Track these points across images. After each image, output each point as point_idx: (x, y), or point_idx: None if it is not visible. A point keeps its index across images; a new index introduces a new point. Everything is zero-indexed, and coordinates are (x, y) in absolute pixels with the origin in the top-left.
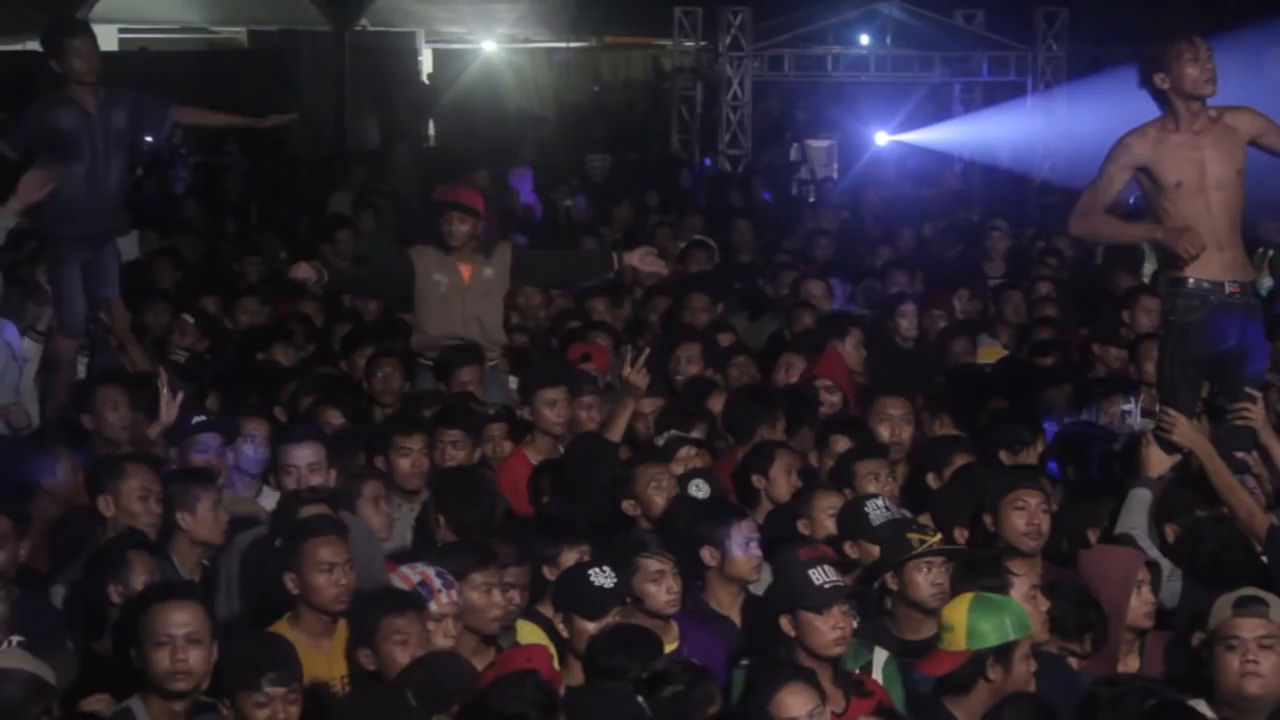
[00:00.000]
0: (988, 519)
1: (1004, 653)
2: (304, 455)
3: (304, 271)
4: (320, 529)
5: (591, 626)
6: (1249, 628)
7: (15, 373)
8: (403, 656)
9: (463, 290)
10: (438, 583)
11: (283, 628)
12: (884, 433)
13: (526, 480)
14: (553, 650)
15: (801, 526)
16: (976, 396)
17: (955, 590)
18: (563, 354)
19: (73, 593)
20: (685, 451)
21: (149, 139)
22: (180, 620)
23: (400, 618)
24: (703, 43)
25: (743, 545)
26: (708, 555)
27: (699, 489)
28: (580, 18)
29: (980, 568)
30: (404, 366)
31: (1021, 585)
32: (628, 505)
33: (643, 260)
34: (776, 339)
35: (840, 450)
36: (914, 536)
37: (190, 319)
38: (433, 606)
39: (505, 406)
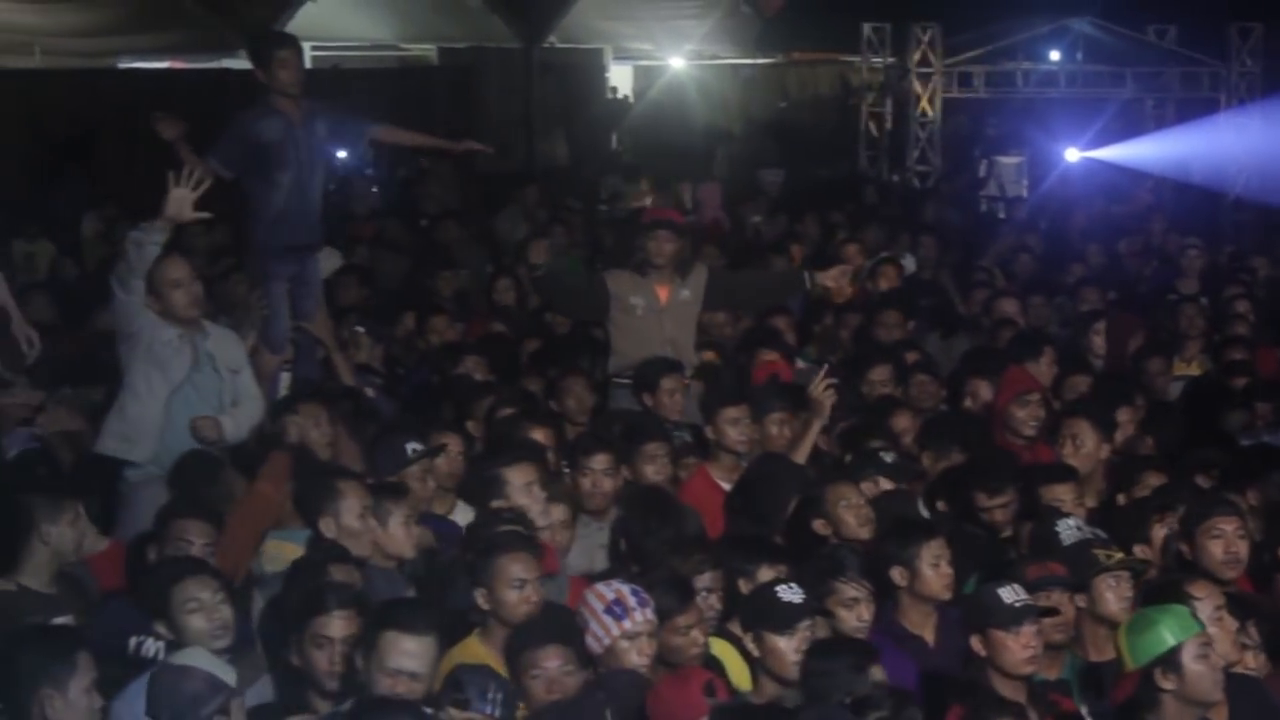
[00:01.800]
0: (1185, 547)
1: (1170, 659)
2: (518, 475)
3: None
4: (511, 545)
5: (781, 642)
6: None
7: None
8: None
9: (660, 312)
10: (632, 600)
11: (472, 643)
12: (1069, 453)
13: (709, 498)
14: (743, 667)
15: (819, 526)
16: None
17: None
18: (747, 372)
19: (272, 603)
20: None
21: (342, 155)
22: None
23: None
24: (891, 59)
25: (933, 564)
26: (898, 575)
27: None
28: (768, 34)
29: (1159, 597)
30: (593, 384)
31: (1205, 608)
32: (819, 524)
33: (837, 279)
34: (970, 358)
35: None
36: (1100, 552)
37: (362, 330)
38: (627, 624)
39: (692, 425)
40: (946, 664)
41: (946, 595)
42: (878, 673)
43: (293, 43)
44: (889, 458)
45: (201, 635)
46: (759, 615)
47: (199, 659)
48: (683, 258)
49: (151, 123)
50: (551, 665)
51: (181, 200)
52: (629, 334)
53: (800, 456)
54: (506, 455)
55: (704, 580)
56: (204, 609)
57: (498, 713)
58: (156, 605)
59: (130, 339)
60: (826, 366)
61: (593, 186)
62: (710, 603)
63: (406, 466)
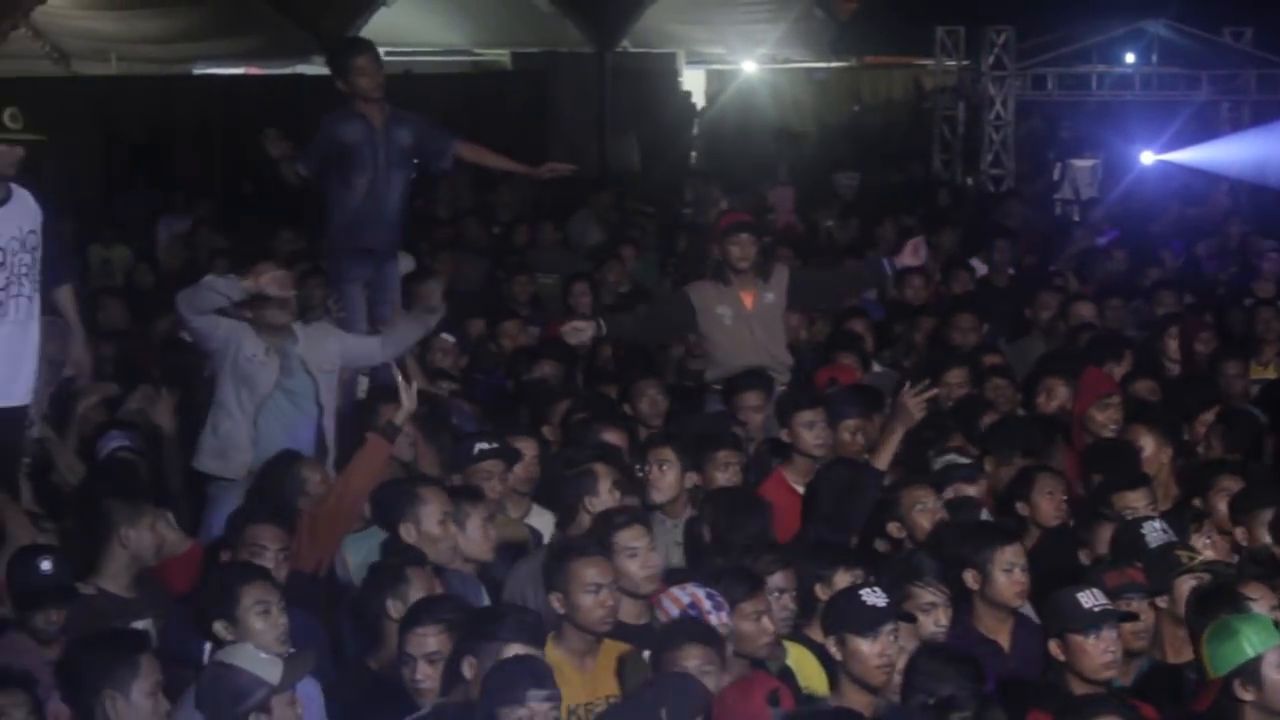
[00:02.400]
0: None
1: (1250, 670)
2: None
3: (580, 332)
4: (586, 549)
5: (864, 645)
6: None
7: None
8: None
9: (748, 318)
10: (708, 604)
11: (547, 647)
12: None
13: (784, 501)
14: (818, 671)
15: (893, 530)
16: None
17: (1191, 624)
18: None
19: (350, 605)
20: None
21: (428, 170)
22: None
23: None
24: (965, 62)
25: (1006, 569)
26: (970, 578)
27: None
28: (841, 38)
29: (1213, 600)
30: (666, 388)
31: (1260, 609)
32: (893, 528)
33: (914, 253)
34: (1047, 360)
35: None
36: (1182, 554)
37: (450, 338)
38: None
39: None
40: (1023, 670)
41: (1018, 603)
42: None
43: (369, 48)
44: (940, 461)
45: (264, 638)
46: (842, 618)
47: (243, 657)
48: (763, 260)
49: (261, 139)
50: (691, 665)
51: (274, 281)
52: (721, 344)
53: (882, 462)
54: (593, 452)
55: (776, 580)
56: (269, 613)
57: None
58: (219, 606)
59: (214, 355)
60: (926, 380)
61: (666, 191)
62: (784, 603)
63: (473, 464)
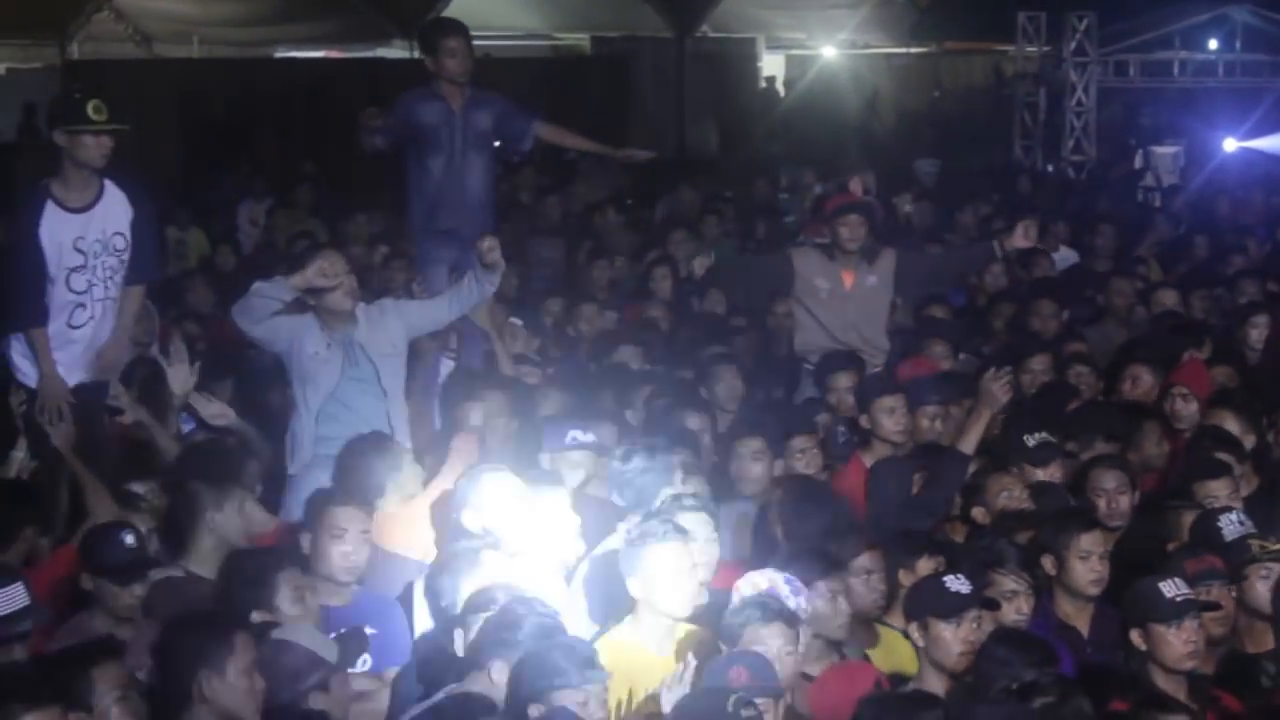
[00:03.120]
0: None
1: None
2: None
3: (700, 264)
4: (665, 534)
5: (948, 631)
6: None
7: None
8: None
9: (844, 297)
10: (786, 589)
11: (624, 630)
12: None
13: (863, 487)
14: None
15: (977, 515)
16: None
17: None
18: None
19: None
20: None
21: (509, 154)
22: None
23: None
24: (1046, 48)
25: (1083, 557)
26: (1049, 564)
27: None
28: (922, 24)
29: None
30: (742, 373)
31: None
32: (978, 513)
33: (1025, 235)
34: (1130, 347)
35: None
36: (1255, 543)
37: (518, 322)
38: None
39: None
40: (1101, 656)
41: (1093, 591)
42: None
43: (462, 31)
44: (1033, 439)
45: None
46: (926, 604)
47: (300, 634)
48: (870, 243)
49: (363, 120)
50: (774, 645)
51: (320, 271)
52: (813, 316)
53: (968, 445)
54: (664, 446)
55: (863, 562)
56: (303, 598)
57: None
58: (252, 599)
59: (283, 357)
60: (1006, 366)
61: (744, 176)
62: (873, 583)
63: (564, 451)
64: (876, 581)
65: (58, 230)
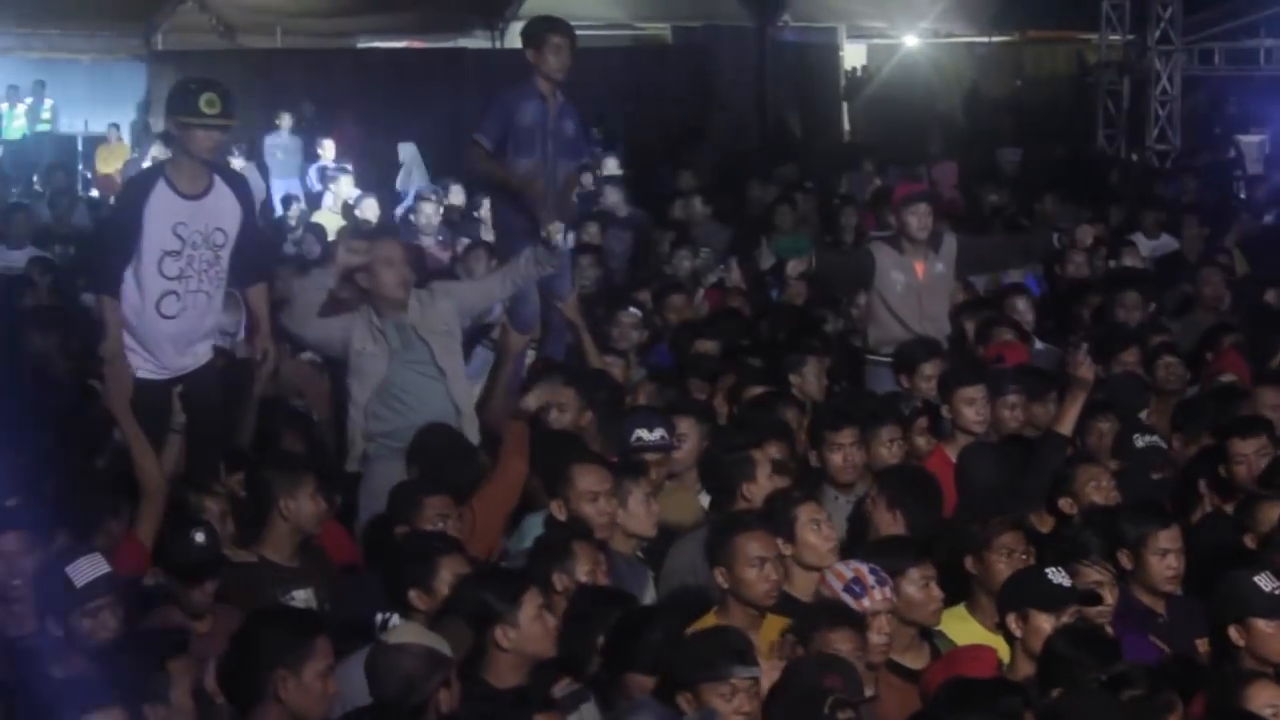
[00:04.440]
0: None
1: None
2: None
3: (794, 268)
4: (750, 524)
5: (1048, 623)
6: None
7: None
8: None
9: (918, 288)
10: (871, 579)
11: (709, 621)
12: None
13: (945, 478)
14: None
15: (1064, 505)
16: None
17: None
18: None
19: None
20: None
21: None
22: None
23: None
24: (1131, 36)
25: (1159, 553)
26: (1124, 559)
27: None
28: (1004, 12)
29: None
30: (824, 365)
31: None
32: (1064, 503)
33: (1086, 233)
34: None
35: None
36: None
37: (636, 312)
38: (866, 603)
39: (927, 402)
40: (1180, 641)
41: (1169, 588)
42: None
43: (568, 30)
44: (1143, 440)
45: None
46: (1026, 595)
47: (414, 634)
48: (936, 231)
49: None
50: (844, 649)
51: (350, 251)
52: (888, 309)
53: (1065, 428)
54: (754, 437)
55: (1005, 540)
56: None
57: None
58: (417, 577)
59: (339, 357)
60: (1084, 343)
61: (825, 165)
62: (1014, 561)
63: (638, 452)
64: (1018, 560)
65: (162, 211)
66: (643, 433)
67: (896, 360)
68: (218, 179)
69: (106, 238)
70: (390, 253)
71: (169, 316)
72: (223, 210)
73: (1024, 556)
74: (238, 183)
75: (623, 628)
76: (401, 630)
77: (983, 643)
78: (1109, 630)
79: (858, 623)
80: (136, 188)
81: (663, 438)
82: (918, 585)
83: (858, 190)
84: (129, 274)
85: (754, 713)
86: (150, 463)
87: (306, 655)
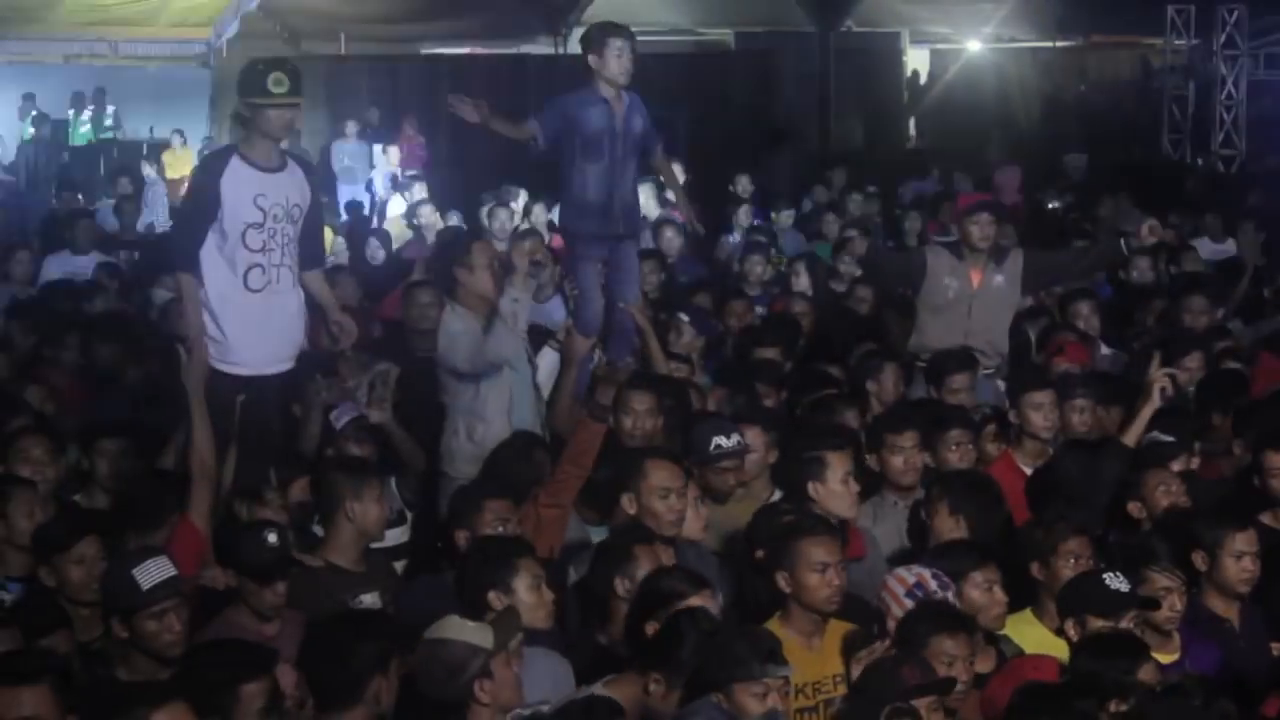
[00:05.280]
0: None
1: None
2: (839, 461)
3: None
4: (814, 528)
5: (1104, 628)
6: None
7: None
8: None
9: (970, 297)
10: (934, 584)
11: (773, 626)
12: None
13: (1012, 483)
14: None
15: (1133, 510)
16: None
17: None
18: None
19: (579, 583)
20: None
21: None
22: None
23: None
24: (1196, 41)
25: (1236, 556)
26: (1199, 560)
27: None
28: (1068, 16)
29: None
30: (900, 371)
31: None
32: (1133, 507)
33: (1151, 231)
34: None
35: None
36: None
37: (685, 317)
38: None
39: (995, 408)
40: (1253, 651)
41: (1243, 589)
42: (1148, 671)
43: (628, 34)
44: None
45: (534, 612)
46: (1084, 601)
47: (452, 629)
48: (999, 243)
49: (451, 107)
50: (960, 654)
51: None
52: (934, 314)
53: (1130, 438)
54: (830, 440)
55: (1071, 545)
56: (539, 589)
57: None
58: (496, 579)
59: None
60: (1154, 353)
61: (889, 170)
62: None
63: (713, 462)
64: (1083, 564)
65: (240, 184)
66: (721, 440)
67: (927, 370)
68: (290, 158)
69: (185, 215)
70: (485, 256)
71: (256, 290)
72: (299, 186)
73: (1089, 562)
74: (305, 164)
75: (669, 628)
76: (441, 625)
77: (1047, 648)
78: (1174, 635)
79: (970, 626)
80: (211, 164)
81: (739, 443)
82: (981, 589)
83: (922, 196)
84: (216, 253)
85: (785, 712)
86: (207, 442)
87: (382, 666)
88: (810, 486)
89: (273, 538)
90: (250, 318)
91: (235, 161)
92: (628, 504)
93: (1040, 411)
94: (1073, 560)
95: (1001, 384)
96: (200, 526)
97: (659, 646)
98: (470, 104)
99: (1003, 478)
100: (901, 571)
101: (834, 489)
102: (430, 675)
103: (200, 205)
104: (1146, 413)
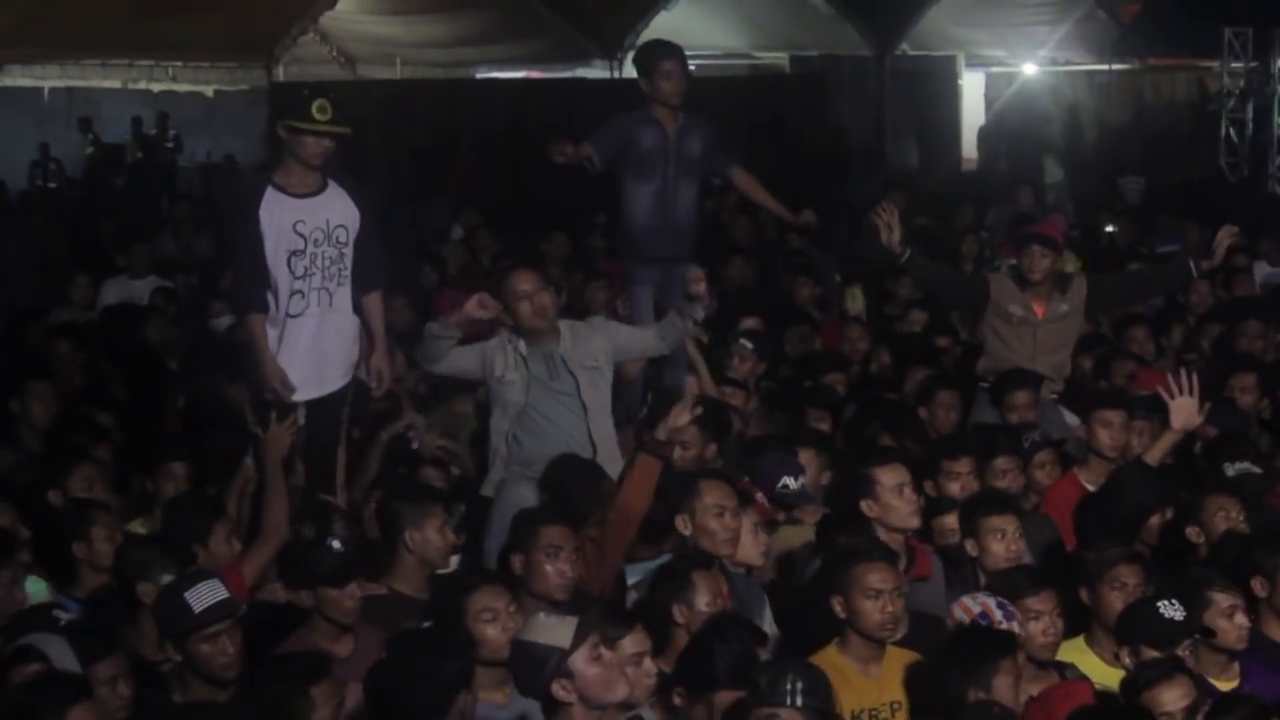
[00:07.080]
0: None
1: None
2: (889, 476)
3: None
4: (869, 554)
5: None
6: None
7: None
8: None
9: (1034, 326)
10: (999, 614)
11: (830, 653)
12: None
13: (1075, 502)
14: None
15: (1191, 534)
16: None
17: None
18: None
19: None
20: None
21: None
22: None
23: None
24: (1253, 63)
25: None
26: (1258, 585)
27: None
28: (1124, 39)
29: None
30: (954, 397)
31: None
32: (1191, 531)
33: (1223, 239)
34: None
35: None
36: None
37: (749, 344)
38: None
39: (1045, 435)
40: None
41: None
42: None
43: (678, 54)
44: (1234, 469)
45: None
46: (1139, 629)
47: (535, 630)
48: (1059, 272)
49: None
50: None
51: (476, 305)
52: (1000, 340)
53: (1152, 459)
54: (879, 455)
55: (1119, 572)
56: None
57: (799, 702)
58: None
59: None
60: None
61: (944, 194)
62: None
63: (776, 500)
64: (1133, 591)
65: (278, 213)
66: (789, 480)
67: (991, 389)
68: (330, 181)
69: (237, 256)
70: (522, 286)
71: (295, 315)
72: (341, 208)
73: (1140, 589)
74: (350, 187)
75: (697, 647)
76: (530, 625)
77: (1099, 677)
78: (1233, 662)
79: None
80: (246, 198)
81: (804, 487)
82: (1034, 617)
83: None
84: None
85: None
86: (281, 508)
87: (463, 685)
88: (864, 505)
89: (337, 544)
90: (295, 343)
91: (270, 193)
92: (682, 525)
93: (1109, 430)
94: (1120, 587)
95: (1065, 411)
96: (248, 579)
97: (689, 661)
98: (559, 145)
99: (1066, 496)
100: (967, 600)
101: (889, 503)
102: (518, 677)
103: (247, 243)
104: (1170, 440)
